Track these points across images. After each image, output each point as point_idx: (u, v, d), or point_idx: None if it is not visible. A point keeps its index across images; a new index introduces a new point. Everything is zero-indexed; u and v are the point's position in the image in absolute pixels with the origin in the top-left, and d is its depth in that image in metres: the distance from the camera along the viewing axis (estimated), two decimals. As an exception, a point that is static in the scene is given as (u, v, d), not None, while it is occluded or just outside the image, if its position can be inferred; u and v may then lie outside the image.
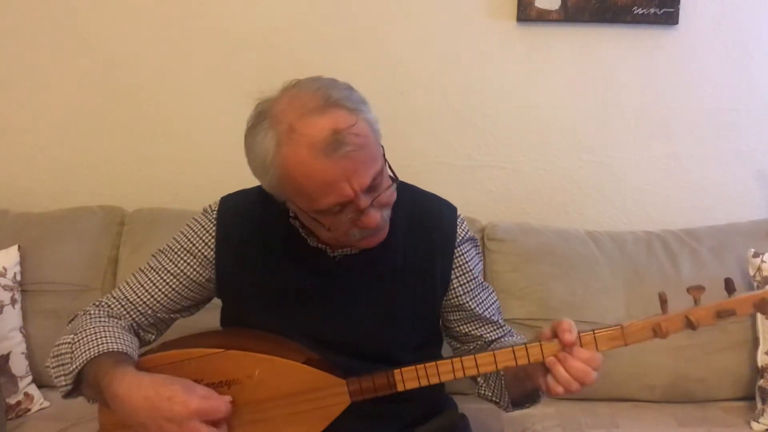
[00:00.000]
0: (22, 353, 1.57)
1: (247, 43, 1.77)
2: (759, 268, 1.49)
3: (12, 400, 1.52)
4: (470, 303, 1.13)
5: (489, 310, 1.15)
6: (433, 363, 0.96)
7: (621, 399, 1.56)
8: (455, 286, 1.12)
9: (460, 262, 1.12)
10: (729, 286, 0.90)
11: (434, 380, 0.96)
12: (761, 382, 1.47)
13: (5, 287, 1.57)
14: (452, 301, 1.13)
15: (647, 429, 1.44)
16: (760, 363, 1.49)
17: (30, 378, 1.57)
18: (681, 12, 1.66)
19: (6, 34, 1.81)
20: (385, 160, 0.97)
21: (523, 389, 1.06)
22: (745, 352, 1.52)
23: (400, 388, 0.97)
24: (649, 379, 1.54)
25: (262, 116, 0.93)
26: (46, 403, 1.56)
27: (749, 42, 1.70)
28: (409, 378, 0.97)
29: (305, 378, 0.99)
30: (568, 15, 1.68)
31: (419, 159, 1.81)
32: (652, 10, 1.66)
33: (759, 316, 1.49)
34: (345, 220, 0.94)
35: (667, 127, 1.76)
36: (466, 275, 1.13)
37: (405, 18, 1.73)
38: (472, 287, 1.13)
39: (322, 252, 1.07)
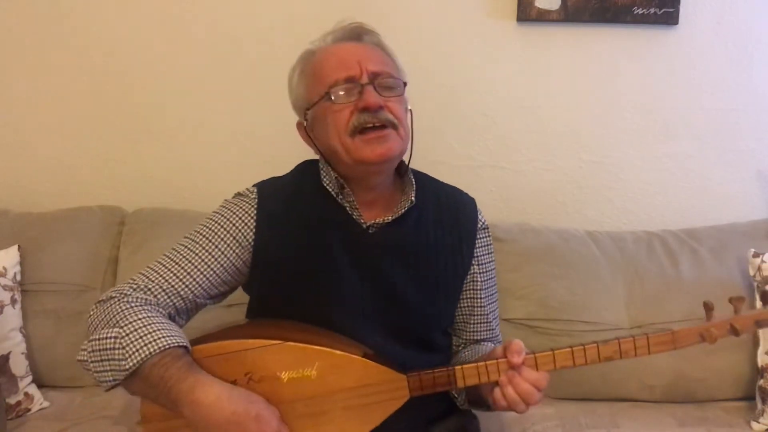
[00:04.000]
0: (22, 353, 1.57)
1: (247, 44, 1.77)
2: (759, 268, 1.49)
3: (12, 400, 1.52)
4: (480, 293, 1.18)
5: (490, 306, 1.20)
6: (494, 361, 0.96)
7: (621, 399, 1.56)
8: (474, 272, 1.18)
9: (481, 252, 1.19)
10: (765, 297, 1.02)
11: (494, 377, 0.96)
12: (761, 382, 1.47)
13: (5, 287, 1.57)
14: (467, 286, 1.18)
15: (647, 429, 1.44)
16: (760, 363, 1.49)
17: (30, 378, 1.57)
18: (681, 12, 1.67)
19: (6, 35, 1.81)
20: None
21: (477, 395, 1.08)
22: (745, 352, 1.52)
23: (460, 384, 0.97)
24: (649, 379, 1.54)
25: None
26: (46, 403, 1.56)
27: (749, 42, 1.70)
28: (469, 375, 0.97)
29: (365, 372, 0.98)
30: (568, 15, 1.68)
31: (419, 159, 1.79)
32: (652, 10, 1.66)
33: (759, 316, 1.49)
34: (348, 101, 1.05)
35: (667, 127, 1.76)
36: (484, 266, 1.20)
37: (405, 18, 1.73)
38: (486, 278, 1.20)
39: (357, 224, 1.10)
